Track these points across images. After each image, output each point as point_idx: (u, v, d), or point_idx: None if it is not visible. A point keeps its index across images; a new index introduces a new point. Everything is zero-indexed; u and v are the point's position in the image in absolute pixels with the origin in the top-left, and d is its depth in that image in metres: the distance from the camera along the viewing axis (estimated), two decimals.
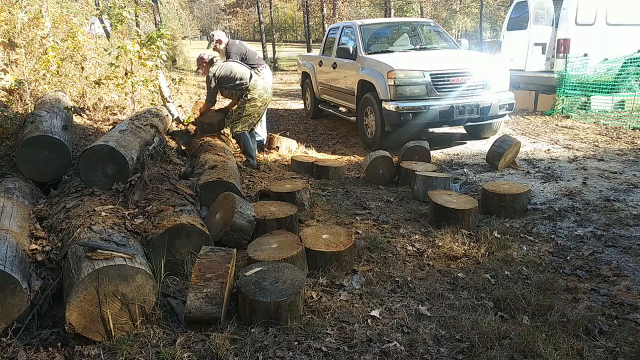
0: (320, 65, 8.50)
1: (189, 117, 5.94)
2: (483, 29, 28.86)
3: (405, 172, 4.87)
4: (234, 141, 6.29)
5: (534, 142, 6.41)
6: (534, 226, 3.66)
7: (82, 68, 6.28)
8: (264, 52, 23.44)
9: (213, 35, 6.31)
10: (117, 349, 2.12)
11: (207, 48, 6.67)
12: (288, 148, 6.24)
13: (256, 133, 6.23)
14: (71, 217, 2.87)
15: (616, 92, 8.18)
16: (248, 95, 5.19)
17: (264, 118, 5.36)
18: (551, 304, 2.48)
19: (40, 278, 2.41)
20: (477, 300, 2.60)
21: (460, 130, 7.29)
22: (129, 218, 2.92)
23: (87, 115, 5.32)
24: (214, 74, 5.17)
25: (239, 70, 5.22)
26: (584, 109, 8.14)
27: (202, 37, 62.49)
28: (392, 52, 6.94)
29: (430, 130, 6.78)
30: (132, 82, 5.59)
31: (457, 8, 32.32)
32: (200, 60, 5.54)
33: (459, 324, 2.36)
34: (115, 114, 5.58)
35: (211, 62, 5.34)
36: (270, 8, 26.05)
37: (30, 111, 4.50)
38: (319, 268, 2.86)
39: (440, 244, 3.31)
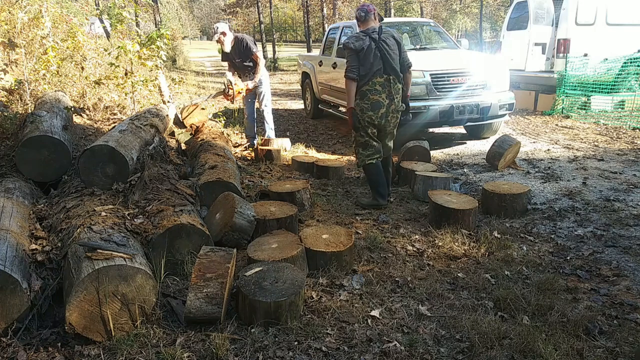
0: (320, 65, 8.48)
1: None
2: (483, 29, 28.84)
3: (405, 172, 4.87)
4: (234, 140, 6.27)
5: (534, 142, 6.41)
6: (534, 226, 3.66)
7: (82, 68, 6.28)
8: (264, 52, 23.41)
9: (217, 27, 5.82)
10: (117, 349, 2.12)
11: (212, 40, 6.49)
12: (282, 147, 6.22)
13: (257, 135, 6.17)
14: (71, 217, 2.87)
15: (616, 92, 8.18)
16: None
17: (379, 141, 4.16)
18: (551, 304, 2.48)
19: (40, 278, 2.41)
20: (477, 300, 2.60)
21: (460, 130, 7.29)
22: (129, 218, 2.92)
23: (87, 115, 5.32)
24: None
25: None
26: (584, 109, 8.14)
27: (202, 37, 62.55)
28: None
29: (430, 130, 6.77)
30: (132, 82, 5.59)
31: (457, 8, 32.29)
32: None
33: (459, 324, 2.36)
34: (115, 114, 5.57)
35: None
36: (270, 8, 26.02)
37: (30, 111, 4.50)
38: (319, 268, 2.86)
39: (440, 244, 3.31)
